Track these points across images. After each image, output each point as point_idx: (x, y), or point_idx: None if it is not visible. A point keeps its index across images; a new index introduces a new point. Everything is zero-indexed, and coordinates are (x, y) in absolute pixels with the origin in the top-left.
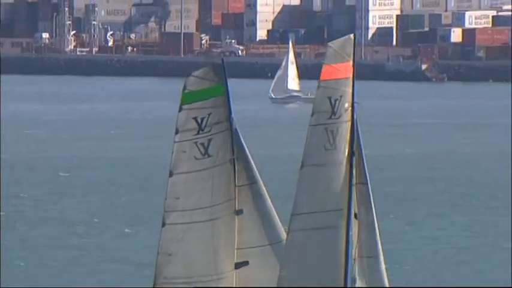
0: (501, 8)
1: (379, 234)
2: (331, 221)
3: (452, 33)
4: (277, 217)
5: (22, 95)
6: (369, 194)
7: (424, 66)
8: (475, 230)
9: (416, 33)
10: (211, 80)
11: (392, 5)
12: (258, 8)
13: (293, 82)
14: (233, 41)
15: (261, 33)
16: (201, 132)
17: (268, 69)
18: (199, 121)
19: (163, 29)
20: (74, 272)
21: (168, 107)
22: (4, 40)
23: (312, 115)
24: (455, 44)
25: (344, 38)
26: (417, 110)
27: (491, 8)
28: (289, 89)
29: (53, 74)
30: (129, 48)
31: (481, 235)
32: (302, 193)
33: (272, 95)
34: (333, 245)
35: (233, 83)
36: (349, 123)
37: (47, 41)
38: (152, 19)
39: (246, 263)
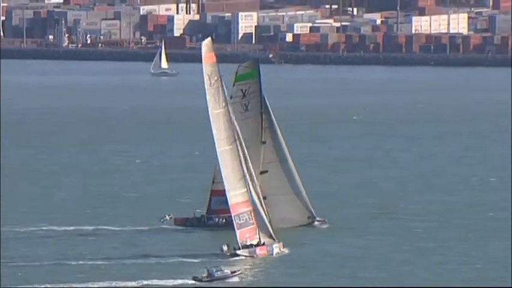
0: (315, 21)
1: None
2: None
3: (287, 36)
4: (284, 144)
5: (46, 71)
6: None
7: (270, 55)
8: None
9: (266, 36)
10: (251, 67)
11: (252, 19)
12: (175, 21)
13: (164, 64)
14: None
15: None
16: (244, 97)
17: (180, 56)
18: (244, 91)
19: (120, 34)
20: None
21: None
22: (27, 39)
23: (206, 82)
24: (288, 42)
25: (207, 39)
26: None
27: (309, 22)
28: (161, 68)
29: (55, 59)
30: (100, 44)
31: None
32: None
33: (152, 71)
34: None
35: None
36: (219, 88)
37: (52, 40)
38: (113, 28)
39: (266, 171)
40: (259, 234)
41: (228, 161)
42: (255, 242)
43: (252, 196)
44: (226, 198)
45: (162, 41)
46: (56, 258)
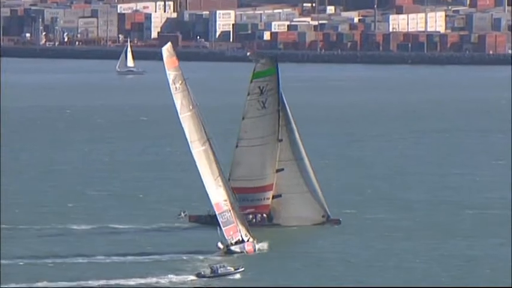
0: (292, 20)
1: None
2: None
3: (264, 34)
4: (301, 142)
5: (21, 69)
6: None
7: (248, 53)
8: None
9: (244, 34)
10: (269, 65)
11: (230, 18)
12: (152, 19)
13: (130, 62)
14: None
15: (154, 35)
16: (261, 94)
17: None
18: (261, 88)
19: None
20: None
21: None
22: (4, 37)
23: (172, 87)
24: (266, 40)
25: (167, 44)
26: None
27: (286, 20)
28: (127, 66)
29: (32, 57)
30: (77, 42)
31: None
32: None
33: (118, 69)
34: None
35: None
36: (185, 92)
37: (29, 38)
38: (90, 26)
39: (282, 169)
40: (240, 231)
41: (204, 162)
42: (239, 239)
43: (229, 195)
44: (242, 196)
45: (128, 40)
46: (58, 256)
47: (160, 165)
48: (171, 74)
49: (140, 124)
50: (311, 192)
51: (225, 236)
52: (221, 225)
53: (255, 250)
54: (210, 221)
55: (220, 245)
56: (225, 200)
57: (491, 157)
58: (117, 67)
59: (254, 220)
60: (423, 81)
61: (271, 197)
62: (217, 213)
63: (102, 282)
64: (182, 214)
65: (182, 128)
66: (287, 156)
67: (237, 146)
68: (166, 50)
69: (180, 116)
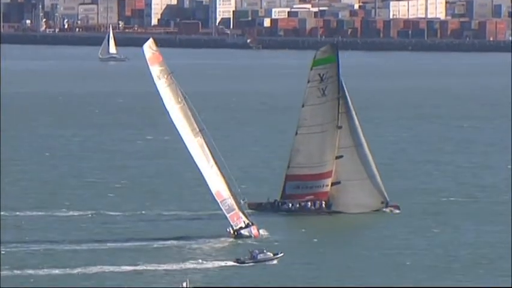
0: (293, 6)
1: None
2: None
3: (265, 21)
4: (360, 129)
5: (20, 56)
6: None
7: (248, 40)
8: None
9: (244, 21)
10: (329, 52)
11: (230, 4)
12: (153, 6)
13: (112, 48)
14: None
15: (154, 21)
16: (321, 82)
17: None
18: (321, 76)
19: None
20: None
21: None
22: (4, 24)
23: (157, 83)
24: (266, 27)
25: (149, 41)
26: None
27: (287, 6)
28: (110, 53)
29: (32, 44)
30: (77, 29)
31: None
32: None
33: (100, 56)
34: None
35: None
36: (173, 85)
37: (29, 24)
38: (90, 12)
39: (341, 156)
40: (241, 217)
41: (199, 152)
42: (243, 225)
43: (227, 183)
44: (301, 183)
45: (111, 29)
46: (92, 241)
47: (150, 154)
48: (155, 70)
49: (120, 112)
50: (370, 178)
51: (231, 222)
52: (225, 213)
53: (259, 234)
54: (271, 208)
55: (230, 229)
56: (224, 189)
57: (478, 144)
58: (99, 54)
59: (313, 207)
60: (422, 68)
61: (330, 184)
62: (218, 201)
63: (136, 267)
64: (241, 201)
65: (165, 118)
66: (346, 143)
67: (296, 133)
68: (148, 46)
69: (169, 110)
